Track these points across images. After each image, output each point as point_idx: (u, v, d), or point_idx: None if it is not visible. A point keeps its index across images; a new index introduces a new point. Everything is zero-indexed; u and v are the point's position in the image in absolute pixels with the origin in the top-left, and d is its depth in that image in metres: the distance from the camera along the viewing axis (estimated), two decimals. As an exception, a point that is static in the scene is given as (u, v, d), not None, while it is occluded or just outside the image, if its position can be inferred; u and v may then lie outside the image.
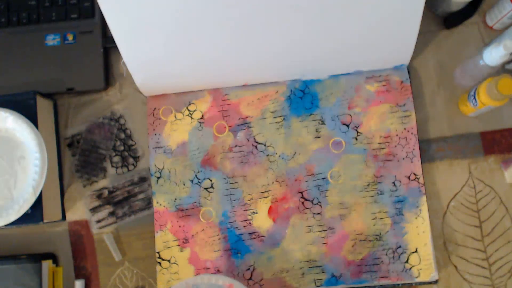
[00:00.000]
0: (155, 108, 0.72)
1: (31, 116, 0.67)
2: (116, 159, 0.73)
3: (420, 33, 0.65)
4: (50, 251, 0.72)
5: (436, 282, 0.65)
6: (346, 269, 0.66)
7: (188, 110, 0.71)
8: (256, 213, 0.68)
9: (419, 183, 0.66)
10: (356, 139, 0.68)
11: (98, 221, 0.72)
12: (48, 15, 0.74)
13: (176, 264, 0.68)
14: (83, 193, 0.72)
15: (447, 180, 0.68)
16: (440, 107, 0.69)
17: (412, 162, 0.67)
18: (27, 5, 0.74)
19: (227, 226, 0.68)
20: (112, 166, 0.72)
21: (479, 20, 0.70)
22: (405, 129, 0.68)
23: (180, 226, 0.69)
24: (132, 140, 0.73)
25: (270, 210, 0.68)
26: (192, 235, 0.68)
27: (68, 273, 0.71)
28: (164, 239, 0.69)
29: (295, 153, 0.69)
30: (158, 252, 0.68)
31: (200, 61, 0.67)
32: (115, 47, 0.66)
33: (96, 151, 0.73)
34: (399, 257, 0.65)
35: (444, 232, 0.67)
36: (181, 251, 0.68)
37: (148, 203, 0.71)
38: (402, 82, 0.69)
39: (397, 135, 0.68)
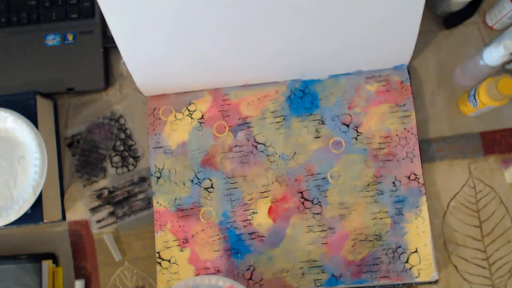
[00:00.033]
0: (155, 108, 0.72)
1: (31, 116, 0.67)
2: (116, 159, 0.73)
3: (420, 33, 0.65)
4: (50, 251, 0.72)
5: (436, 282, 0.65)
6: (346, 269, 0.66)
7: (188, 110, 0.71)
8: (256, 213, 0.68)
9: (419, 183, 0.66)
10: (356, 139, 0.68)
11: (98, 221, 0.72)
12: (48, 15, 0.74)
13: (176, 264, 0.68)
14: (83, 193, 0.72)
15: (447, 180, 0.68)
16: (440, 107, 0.69)
17: (412, 162, 0.67)
18: (27, 5, 0.74)
19: (227, 226, 0.68)
20: (112, 166, 0.72)
21: (479, 20, 0.70)
22: (405, 129, 0.68)
23: (180, 226, 0.69)
24: (132, 140, 0.73)
25: (270, 210, 0.68)
26: (192, 235, 0.68)
27: (68, 273, 0.71)
28: (164, 239, 0.69)
29: (295, 153, 0.69)
30: (158, 252, 0.68)
31: (200, 61, 0.67)
32: (115, 47, 0.66)
33: (96, 151, 0.73)
34: (399, 257, 0.65)
35: (444, 232, 0.67)
36: (181, 251, 0.68)
37: (148, 203, 0.71)
38: (402, 82, 0.69)
39: (397, 135, 0.68)
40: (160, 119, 0.71)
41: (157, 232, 0.69)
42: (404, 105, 0.68)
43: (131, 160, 0.72)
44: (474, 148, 0.68)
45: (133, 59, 0.67)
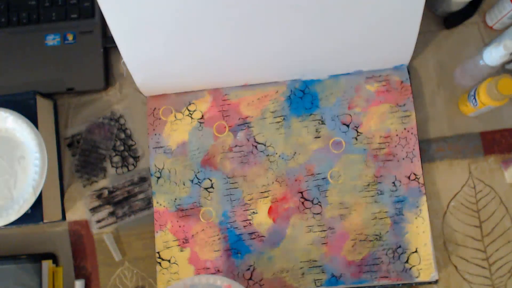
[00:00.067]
0: (155, 108, 0.72)
1: (31, 116, 0.67)
2: (116, 159, 0.73)
3: (420, 33, 0.65)
4: (50, 251, 0.72)
5: (436, 282, 0.65)
6: (346, 269, 0.66)
7: (188, 110, 0.71)
8: (256, 213, 0.68)
9: (419, 183, 0.66)
10: (356, 139, 0.68)
11: (98, 221, 0.72)
12: (48, 15, 0.74)
13: (176, 264, 0.68)
14: (83, 193, 0.72)
15: (447, 180, 0.68)
16: (440, 107, 0.69)
17: (412, 162, 0.67)
18: (27, 5, 0.74)
19: (227, 226, 0.68)
20: (112, 166, 0.72)
21: (479, 20, 0.70)
22: (405, 129, 0.68)
23: (180, 226, 0.69)
24: (132, 140, 0.73)
25: (270, 210, 0.68)
26: (192, 235, 0.68)
27: (68, 273, 0.71)
28: (164, 239, 0.69)
29: (295, 153, 0.69)
30: (158, 252, 0.68)
31: (200, 61, 0.67)
32: (115, 47, 0.66)
33: (96, 151, 0.73)
34: (399, 257, 0.65)
35: (444, 232, 0.67)
36: (181, 251, 0.68)
37: (148, 203, 0.71)
38: (402, 82, 0.69)
39: (397, 135, 0.68)
40: (160, 119, 0.71)
41: (157, 232, 0.69)
42: (404, 105, 0.68)
43: (131, 160, 0.72)
44: (474, 148, 0.68)
45: (133, 59, 0.67)
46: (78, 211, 0.72)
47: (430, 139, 0.69)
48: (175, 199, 0.69)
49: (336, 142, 0.68)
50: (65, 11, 0.74)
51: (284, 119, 0.70)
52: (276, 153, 0.69)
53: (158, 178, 0.70)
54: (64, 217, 0.72)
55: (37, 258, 0.69)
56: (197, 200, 0.69)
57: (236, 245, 0.68)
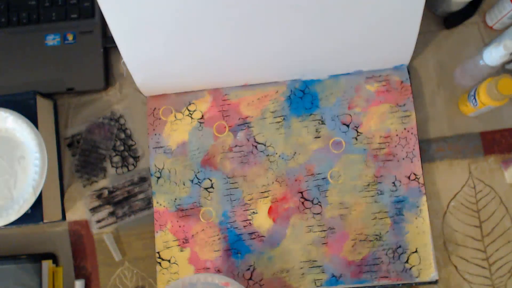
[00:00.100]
0: (155, 108, 0.72)
1: (31, 116, 0.67)
2: (116, 159, 0.73)
3: (420, 33, 0.65)
4: (50, 251, 0.72)
5: (436, 282, 0.65)
6: (346, 269, 0.66)
7: (188, 110, 0.71)
8: (256, 213, 0.68)
9: (419, 183, 0.66)
10: (356, 139, 0.68)
11: (98, 221, 0.72)
12: (48, 15, 0.74)
13: (176, 264, 0.68)
14: (83, 193, 0.72)
15: (447, 180, 0.68)
16: (440, 107, 0.69)
17: (412, 162, 0.67)
18: (27, 5, 0.74)
19: (227, 226, 0.68)
20: (112, 166, 0.72)
21: (479, 20, 0.70)
22: (405, 129, 0.68)
23: (180, 226, 0.69)
24: (132, 140, 0.73)
25: (270, 210, 0.68)
26: (192, 235, 0.68)
27: (68, 273, 0.71)
28: (164, 239, 0.69)
29: (295, 153, 0.69)
30: (158, 252, 0.68)
31: (200, 61, 0.67)
32: (115, 47, 0.66)
33: (96, 151, 0.73)
34: (399, 257, 0.65)
35: (444, 232, 0.67)
36: (181, 251, 0.68)
37: (148, 203, 0.71)
38: (402, 82, 0.69)
39: (397, 135, 0.68)
40: (160, 119, 0.71)
41: (157, 232, 0.69)
42: (404, 105, 0.68)
43: (131, 160, 0.72)
44: (474, 148, 0.68)
45: (133, 59, 0.67)
46: (78, 211, 0.72)
47: (430, 139, 0.69)
48: (175, 199, 0.69)
49: (336, 142, 0.68)
50: (65, 11, 0.74)
51: (284, 119, 0.70)
52: (276, 153, 0.69)
53: (158, 178, 0.70)
54: (64, 217, 0.72)
55: (37, 258, 0.69)
56: (197, 200, 0.69)
57: (236, 245, 0.68)
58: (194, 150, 0.70)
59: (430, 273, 0.65)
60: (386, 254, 0.66)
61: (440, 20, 0.71)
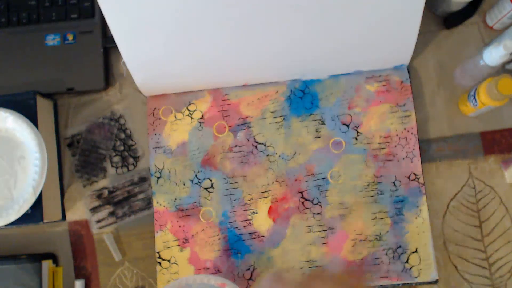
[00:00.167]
0: (155, 108, 0.72)
1: (31, 116, 0.67)
2: (116, 159, 0.73)
3: (420, 33, 0.65)
4: (50, 251, 0.72)
5: (436, 282, 0.65)
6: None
7: (188, 110, 0.71)
8: (256, 213, 0.68)
9: (419, 183, 0.66)
10: (356, 139, 0.68)
11: (98, 221, 0.72)
12: (48, 15, 0.74)
13: (176, 264, 0.68)
14: (83, 193, 0.72)
15: (447, 180, 0.68)
16: (440, 107, 0.69)
17: (412, 162, 0.67)
18: (27, 5, 0.74)
19: (227, 226, 0.68)
20: (112, 166, 0.72)
21: (479, 20, 0.70)
22: (405, 129, 0.68)
23: (180, 226, 0.69)
24: (132, 140, 0.73)
25: (270, 210, 0.68)
26: (192, 235, 0.68)
27: (68, 273, 0.71)
28: (164, 239, 0.69)
29: (295, 153, 0.69)
30: (158, 252, 0.68)
31: (200, 61, 0.67)
32: (115, 47, 0.66)
33: (96, 151, 0.73)
34: (399, 257, 0.65)
35: (444, 232, 0.67)
36: (181, 251, 0.68)
37: (148, 203, 0.71)
38: (402, 82, 0.69)
39: (397, 135, 0.68)
40: (160, 119, 0.71)
41: (157, 232, 0.69)
42: (404, 105, 0.68)
43: (131, 160, 0.72)
44: (474, 148, 0.68)
45: (133, 59, 0.67)
46: (78, 211, 0.72)
47: (430, 139, 0.69)
48: (175, 199, 0.69)
49: (336, 142, 0.68)
50: (65, 11, 0.74)
51: (284, 119, 0.70)
52: (276, 153, 0.69)
53: (158, 178, 0.70)
54: (64, 217, 0.72)
55: (37, 258, 0.69)
56: (197, 200, 0.69)
57: (236, 245, 0.68)
58: (194, 150, 0.70)
59: (430, 273, 0.65)
60: (386, 254, 0.66)
61: (440, 20, 0.71)
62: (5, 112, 0.66)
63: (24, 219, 0.65)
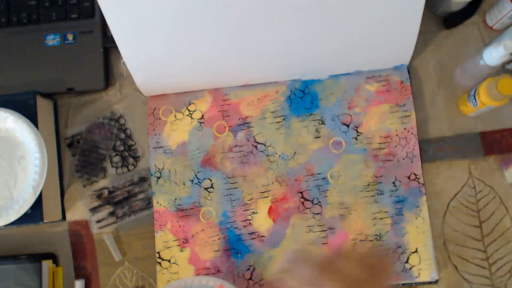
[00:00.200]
0: (155, 108, 0.72)
1: (31, 116, 0.67)
2: (116, 159, 0.73)
3: (420, 33, 0.65)
4: (50, 251, 0.72)
5: (436, 282, 0.65)
6: (346, 269, 0.66)
7: (188, 110, 0.71)
8: (256, 213, 0.68)
9: (419, 183, 0.66)
10: (356, 139, 0.68)
11: (98, 221, 0.72)
12: (48, 15, 0.74)
13: (176, 264, 0.68)
14: (83, 193, 0.72)
15: (447, 180, 0.68)
16: (440, 107, 0.69)
17: (412, 162, 0.67)
18: (27, 5, 0.74)
19: (227, 226, 0.68)
20: (112, 166, 0.72)
21: (479, 20, 0.70)
22: (405, 129, 0.68)
23: (180, 226, 0.69)
24: (132, 140, 0.73)
25: (270, 210, 0.68)
26: (192, 235, 0.68)
27: (68, 273, 0.71)
28: (164, 239, 0.69)
29: (295, 153, 0.69)
30: (158, 252, 0.69)
31: (200, 61, 0.67)
32: (115, 47, 0.66)
33: (96, 151, 0.73)
34: (399, 257, 0.65)
35: (444, 232, 0.67)
36: (181, 251, 0.68)
37: (148, 203, 0.71)
38: (402, 82, 0.69)
39: (397, 135, 0.68)
40: (160, 119, 0.71)
41: (157, 232, 0.69)
42: (404, 105, 0.68)
43: (131, 160, 0.72)
44: (474, 148, 0.68)
45: (133, 59, 0.67)
46: (78, 211, 0.72)
47: (430, 139, 0.69)
48: (175, 199, 0.69)
49: (336, 142, 0.68)
50: (65, 11, 0.74)
51: (284, 119, 0.70)
52: (276, 153, 0.69)
53: (158, 178, 0.70)
54: (64, 217, 0.72)
55: (37, 258, 0.69)
56: (197, 200, 0.69)
57: (236, 245, 0.68)
58: (194, 150, 0.70)
59: (430, 273, 0.65)
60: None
61: (440, 20, 0.71)
62: (5, 112, 0.66)
63: (24, 219, 0.65)
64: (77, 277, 0.71)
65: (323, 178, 0.68)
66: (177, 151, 0.70)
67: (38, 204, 0.66)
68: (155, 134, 0.71)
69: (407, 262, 0.65)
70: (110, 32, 0.64)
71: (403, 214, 0.66)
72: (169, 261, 0.68)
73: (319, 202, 0.67)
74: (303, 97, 0.70)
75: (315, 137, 0.69)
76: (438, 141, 0.69)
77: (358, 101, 0.69)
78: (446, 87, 0.70)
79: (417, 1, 0.60)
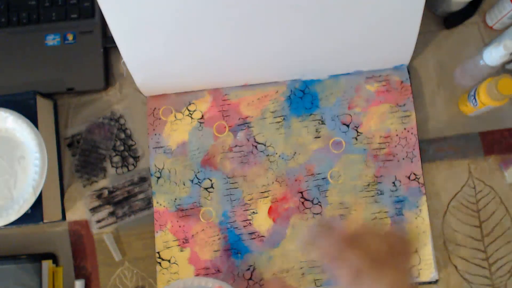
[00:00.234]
0: (155, 108, 0.72)
1: (31, 116, 0.67)
2: (116, 159, 0.73)
3: (420, 33, 0.65)
4: (50, 251, 0.72)
5: (436, 282, 0.65)
6: (346, 269, 0.66)
7: (188, 110, 0.71)
8: (256, 213, 0.68)
9: (419, 183, 0.66)
10: (356, 139, 0.68)
11: (98, 221, 0.72)
12: (48, 15, 0.74)
13: (176, 264, 0.68)
14: (83, 193, 0.72)
15: (447, 180, 0.68)
16: (440, 107, 0.69)
17: (412, 162, 0.67)
18: (27, 5, 0.74)
19: (227, 226, 0.68)
20: (112, 166, 0.72)
21: (479, 20, 0.70)
22: (405, 129, 0.68)
23: (180, 226, 0.69)
24: (132, 140, 0.73)
25: (270, 210, 0.68)
26: (192, 235, 0.68)
27: (68, 273, 0.71)
28: (164, 239, 0.69)
29: (295, 153, 0.69)
30: (158, 252, 0.69)
31: (200, 61, 0.67)
32: (115, 47, 0.66)
33: (96, 151, 0.73)
34: (399, 257, 0.65)
35: (444, 232, 0.67)
36: (181, 251, 0.68)
37: (148, 203, 0.71)
38: (402, 82, 0.69)
39: (397, 135, 0.68)
40: (160, 119, 0.71)
41: (157, 232, 0.69)
42: (404, 105, 0.68)
43: (131, 160, 0.72)
44: (474, 148, 0.68)
45: (133, 59, 0.67)
46: (78, 211, 0.72)
47: (430, 139, 0.69)
48: (175, 199, 0.69)
49: (336, 142, 0.68)
50: (65, 11, 0.74)
51: (284, 119, 0.70)
52: (276, 153, 0.69)
53: (158, 178, 0.70)
54: (64, 217, 0.72)
55: (37, 258, 0.69)
56: (197, 200, 0.69)
57: (236, 245, 0.68)
58: (194, 150, 0.70)
59: (430, 273, 0.65)
60: (386, 254, 0.65)
61: (440, 20, 0.71)
62: (5, 112, 0.66)
63: (24, 219, 0.65)
64: (77, 277, 0.71)
65: (323, 178, 0.68)
66: (177, 151, 0.70)
67: (38, 204, 0.66)
68: (155, 134, 0.71)
69: (407, 262, 0.65)
70: (110, 32, 0.64)
71: (403, 214, 0.66)
72: (169, 261, 0.68)
73: (319, 202, 0.67)
74: (303, 97, 0.70)
75: (315, 137, 0.69)
76: (438, 141, 0.69)
77: (358, 101, 0.69)
78: (446, 87, 0.70)
79: (417, 1, 0.60)
